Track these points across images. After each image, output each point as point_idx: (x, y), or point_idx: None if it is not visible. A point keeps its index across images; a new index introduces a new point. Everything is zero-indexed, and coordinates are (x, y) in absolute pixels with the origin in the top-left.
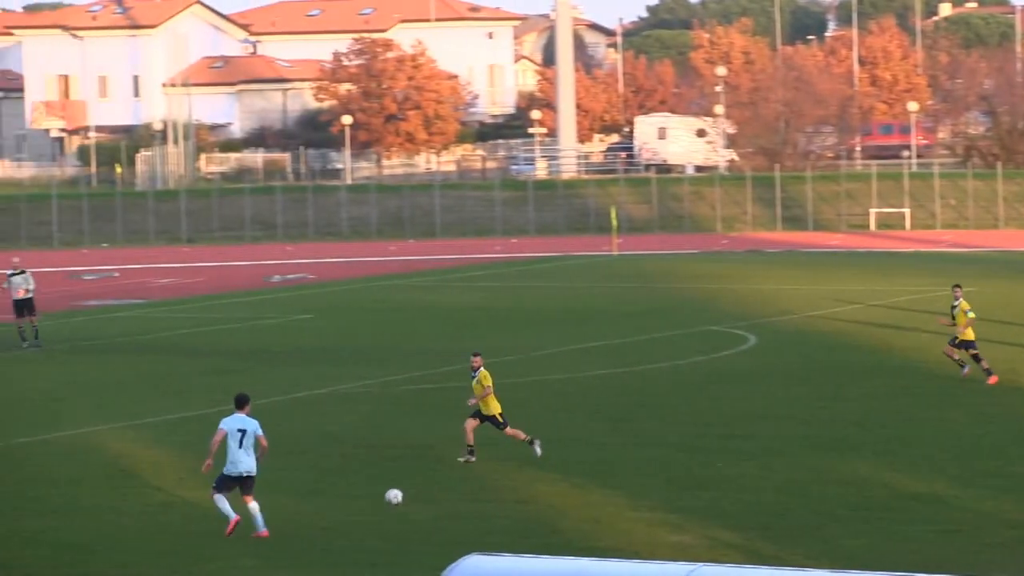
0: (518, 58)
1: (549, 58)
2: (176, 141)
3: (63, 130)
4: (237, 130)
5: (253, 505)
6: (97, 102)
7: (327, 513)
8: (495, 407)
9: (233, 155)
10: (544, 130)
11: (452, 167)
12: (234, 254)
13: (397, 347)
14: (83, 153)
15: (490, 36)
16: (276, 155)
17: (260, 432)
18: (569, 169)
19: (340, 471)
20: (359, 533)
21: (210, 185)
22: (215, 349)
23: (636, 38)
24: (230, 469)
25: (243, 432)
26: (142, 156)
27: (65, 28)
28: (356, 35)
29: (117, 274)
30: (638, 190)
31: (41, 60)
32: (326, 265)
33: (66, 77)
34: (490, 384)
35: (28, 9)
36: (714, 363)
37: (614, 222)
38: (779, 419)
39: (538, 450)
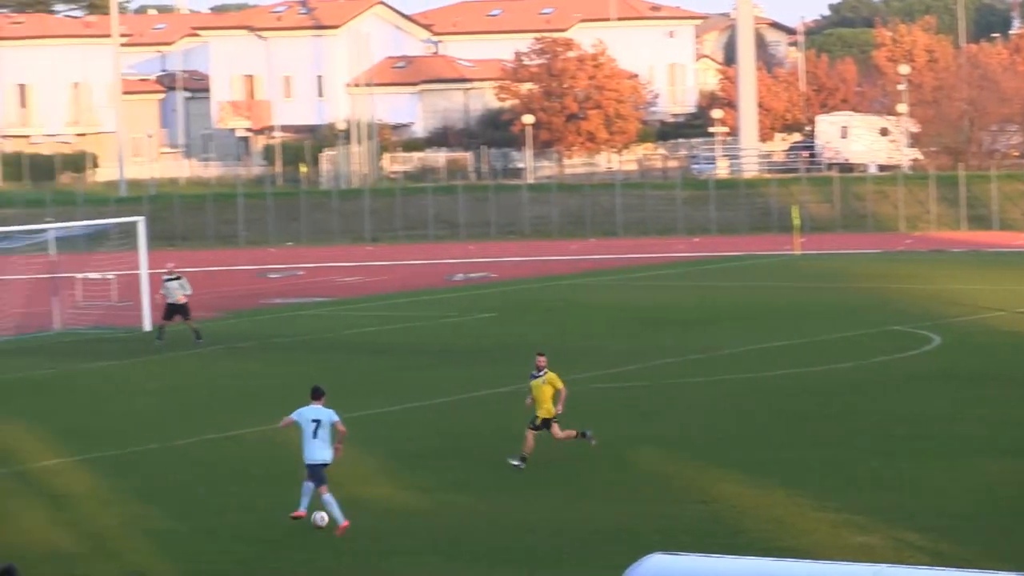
0: (699, 57)
1: (730, 57)
2: (359, 141)
3: (248, 130)
4: (419, 130)
5: (327, 497)
6: (281, 102)
7: (511, 511)
8: (551, 410)
9: (416, 154)
10: (725, 129)
11: (633, 166)
12: (417, 253)
13: (578, 346)
14: (268, 153)
15: (671, 35)
16: (458, 154)
17: (336, 419)
18: (751, 168)
19: (526, 470)
20: (543, 531)
21: (393, 184)
22: (398, 347)
23: (818, 36)
24: (306, 458)
25: (317, 422)
26: (326, 155)
27: (250, 29)
28: (537, 35)
29: (302, 272)
30: (820, 189)
31: (227, 61)
32: (507, 264)
33: (251, 77)
34: (563, 386)
35: (215, 10)
36: (898, 363)
37: (796, 221)
38: (965, 420)
39: (592, 440)
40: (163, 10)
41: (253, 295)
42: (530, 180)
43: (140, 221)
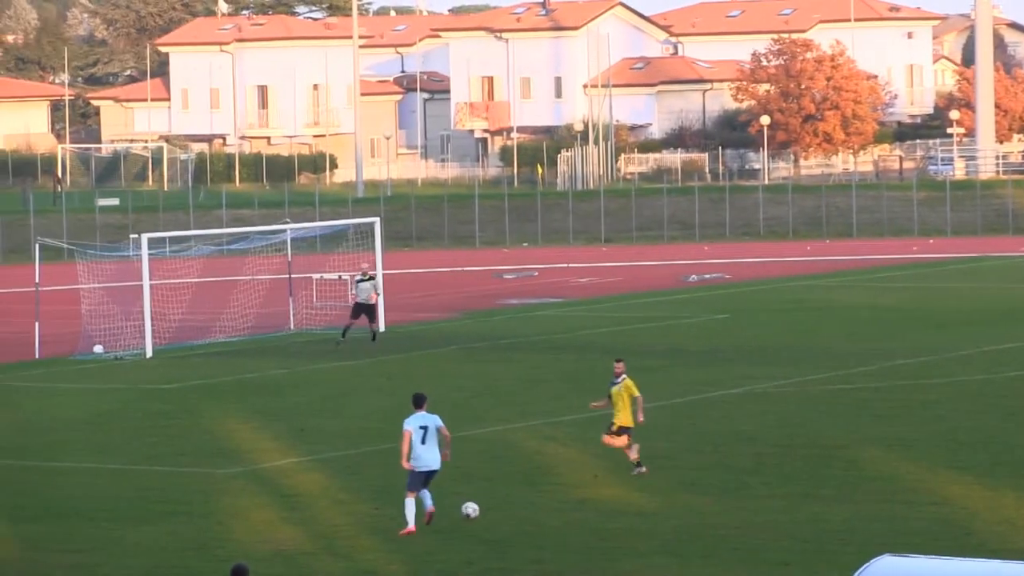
0: (937, 58)
1: (968, 58)
2: (596, 142)
3: (486, 131)
4: (656, 130)
5: (424, 491)
6: (519, 103)
7: (740, 512)
8: (628, 418)
9: (652, 155)
10: (963, 130)
11: (869, 167)
12: (652, 254)
13: (812, 347)
14: (505, 153)
15: (909, 36)
16: (694, 155)
17: (441, 424)
18: (987, 169)
19: (754, 471)
20: (772, 532)
21: (629, 185)
22: (632, 348)
23: None
24: (417, 465)
25: (424, 429)
26: (563, 156)
27: (490, 30)
28: (776, 35)
29: (536, 273)
30: None
31: (466, 62)
32: (743, 265)
33: (490, 78)
34: (639, 394)
35: (454, 12)
36: None
37: None
38: None
39: (642, 469)
40: (403, 11)
41: (488, 295)
42: (766, 181)
43: (376, 222)
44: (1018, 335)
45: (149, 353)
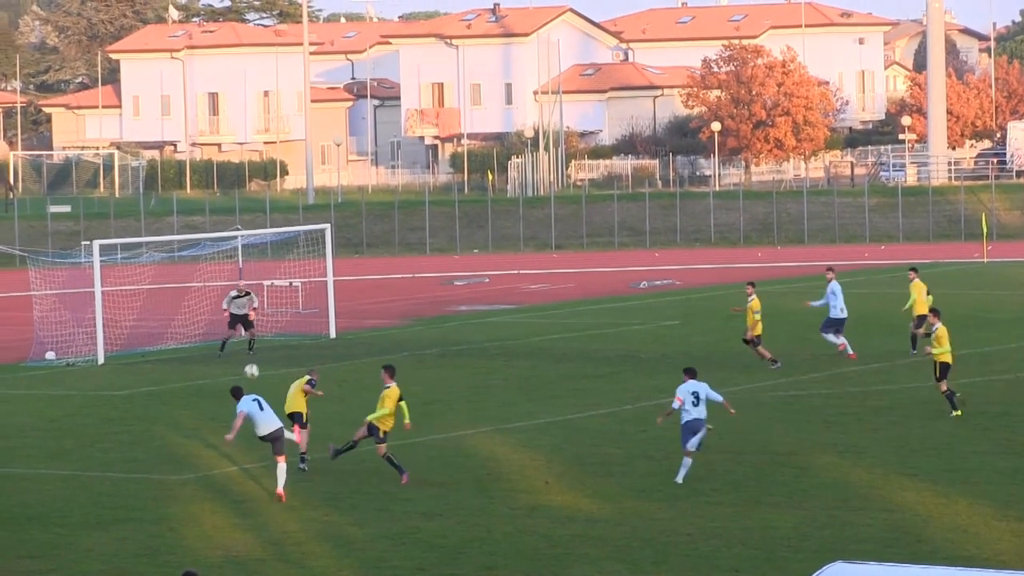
0: (889, 64)
1: (920, 63)
2: (547, 148)
3: (436, 137)
4: (606, 137)
5: (283, 465)
6: (470, 109)
7: (691, 519)
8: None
9: (602, 162)
10: (914, 136)
11: (820, 173)
12: (602, 260)
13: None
14: (455, 160)
15: (861, 42)
16: (645, 162)
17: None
18: (939, 175)
19: (704, 477)
20: (723, 539)
21: (579, 192)
22: (583, 354)
23: (1010, 42)
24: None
25: (258, 401)
26: (513, 163)
27: (440, 37)
28: (726, 41)
29: (487, 280)
30: (1010, 196)
31: (416, 68)
32: (693, 271)
33: (440, 85)
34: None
35: (404, 19)
36: None
37: (985, 229)
38: None
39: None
40: (353, 18)
41: (439, 302)
42: (717, 187)
43: (327, 228)
44: (969, 341)
45: (101, 360)
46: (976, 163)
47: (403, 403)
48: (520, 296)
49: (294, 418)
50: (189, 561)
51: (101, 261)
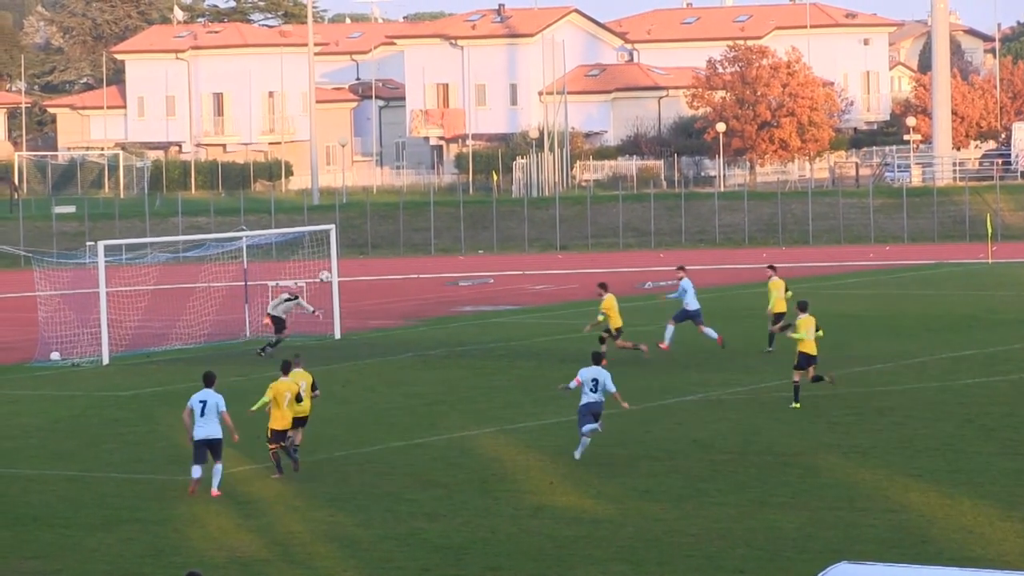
0: (894, 64)
1: (925, 64)
2: (551, 149)
3: (441, 138)
4: (611, 138)
5: (219, 467)
6: (475, 110)
7: (695, 520)
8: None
9: (607, 163)
10: (919, 137)
11: (825, 174)
12: (607, 261)
13: (767, 354)
14: (460, 161)
15: (866, 43)
16: (650, 162)
17: (221, 402)
18: (944, 176)
19: (709, 478)
20: (727, 540)
21: (584, 192)
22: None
23: (1015, 43)
24: (196, 434)
25: (204, 403)
26: (518, 164)
27: (445, 37)
28: (731, 42)
29: (492, 280)
30: (1015, 197)
31: (421, 69)
32: (698, 272)
33: (445, 85)
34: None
35: (409, 19)
36: None
37: (990, 229)
38: None
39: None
40: (358, 19)
41: (443, 303)
42: (721, 188)
43: (332, 229)
44: (974, 342)
45: (106, 360)
46: (981, 164)
47: (297, 399)
48: (525, 297)
49: (302, 422)
50: (194, 562)
51: (106, 262)
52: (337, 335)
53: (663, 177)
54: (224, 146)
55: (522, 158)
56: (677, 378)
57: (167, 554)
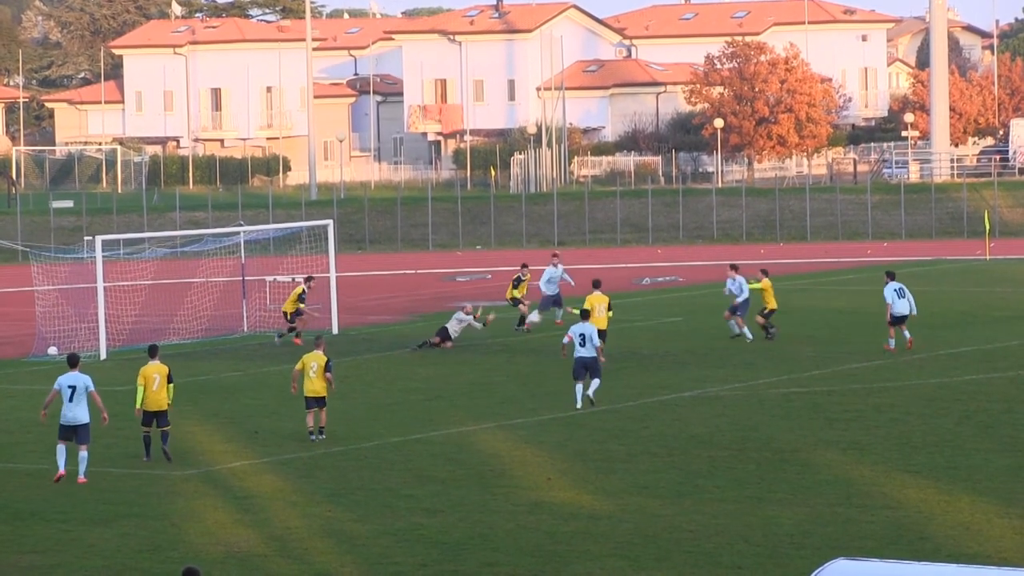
0: (891, 61)
1: (923, 61)
2: (549, 144)
3: (439, 133)
4: (609, 133)
5: (84, 454)
6: (473, 106)
7: (693, 515)
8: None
9: (605, 158)
10: (917, 133)
11: (823, 170)
12: (604, 257)
13: (765, 350)
14: (458, 156)
15: (864, 39)
16: (648, 158)
17: (90, 383)
18: (942, 172)
19: (707, 474)
20: (725, 536)
21: (582, 188)
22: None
23: (1013, 39)
24: (66, 419)
25: (73, 388)
26: (516, 159)
27: (443, 33)
28: (729, 38)
29: (489, 276)
30: (1012, 194)
31: (419, 65)
32: (696, 268)
33: (443, 81)
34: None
35: (407, 15)
36: None
37: (987, 226)
38: None
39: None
40: (356, 14)
41: (441, 298)
42: (719, 184)
43: (329, 224)
44: (972, 339)
45: (103, 355)
46: (979, 160)
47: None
48: None
49: (318, 402)
50: (191, 557)
51: (103, 256)
52: (335, 330)
53: (661, 173)
54: (222, 141)
55: (520, 154)
56: (675, 374)
57: (164, 549)
